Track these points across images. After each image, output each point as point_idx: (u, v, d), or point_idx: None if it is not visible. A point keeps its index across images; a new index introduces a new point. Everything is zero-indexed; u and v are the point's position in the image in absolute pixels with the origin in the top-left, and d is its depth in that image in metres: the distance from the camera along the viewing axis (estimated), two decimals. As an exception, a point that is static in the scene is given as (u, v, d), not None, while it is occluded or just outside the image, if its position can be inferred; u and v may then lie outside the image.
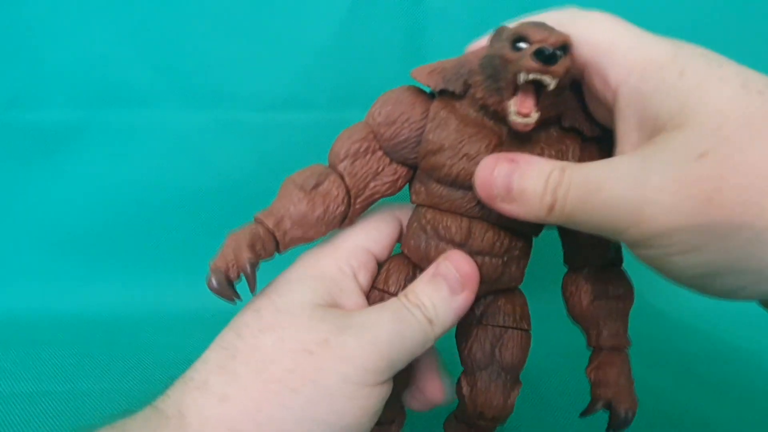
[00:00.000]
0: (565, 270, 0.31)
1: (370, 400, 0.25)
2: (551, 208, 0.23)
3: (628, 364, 0.30)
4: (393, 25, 0.49)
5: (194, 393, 0.25)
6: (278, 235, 0.28)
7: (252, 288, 0.27)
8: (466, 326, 0.30)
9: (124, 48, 0.49)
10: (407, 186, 0.30)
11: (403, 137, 0.28)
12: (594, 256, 0.30)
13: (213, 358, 0.26)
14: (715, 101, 0.21)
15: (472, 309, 0.29)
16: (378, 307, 0.27)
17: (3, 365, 0.45)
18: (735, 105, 0.20)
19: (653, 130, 0.22)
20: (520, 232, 0.28)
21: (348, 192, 0.28)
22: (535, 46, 0.23)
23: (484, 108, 0.26)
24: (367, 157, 0.29)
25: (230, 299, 0.26)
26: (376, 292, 0.29)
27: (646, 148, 0.22)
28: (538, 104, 0.24)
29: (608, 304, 0.30)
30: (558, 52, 0.23)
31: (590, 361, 0.30)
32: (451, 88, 0.27)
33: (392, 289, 0.29)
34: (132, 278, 0.55)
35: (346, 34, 0.49)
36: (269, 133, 0.51)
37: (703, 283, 0.22)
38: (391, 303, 0.27)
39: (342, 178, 0.28)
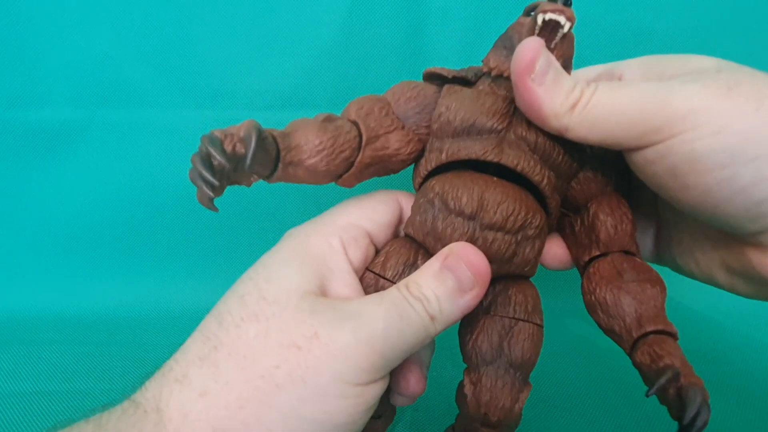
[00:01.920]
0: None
1: (363, 398, 0.23)
2: (574, 105, 0.24)
3: (682, 352, 0.25)
4: (393, 25, 0.48)
5: (173, 386, 0.23)
6: (282, 147, 0.25)
7: (246, 162, 0.23)
8: (471, 316, 0.27)
9: (124, 47, 0.49)
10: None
11: (417, 105, 0.28)
12: (618, 238, 0.28)
13: (194, 348, 0.24)
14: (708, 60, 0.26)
15: (482, 299, 0.27)
16: (375, 298, 0.25)
17: (2, 364, 0.45)
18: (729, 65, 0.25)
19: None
20: (538, 199, 0.27)
21: (360, 134, 0.27)
22: None
23: (496, 79, 0.27)
24: (381, 115, 0.27)
25: (209, 187, 0.22)
26: (371, 275, 0.27)
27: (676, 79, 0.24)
28: (554, 52, 0.25)
29: (641, 288, 0.26)
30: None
31: (633, 353, 0.26)
32: (463, 75, 0.28)
33: (389, 274, 0.27)
34: (132, 278, 0.55)
35: (346, 34, 0.49)
36: (269, 133, 0.51)
37: (726, 179, 0.22)
38: (390, 294, 0.25)
39: (357, 123, 0.27)
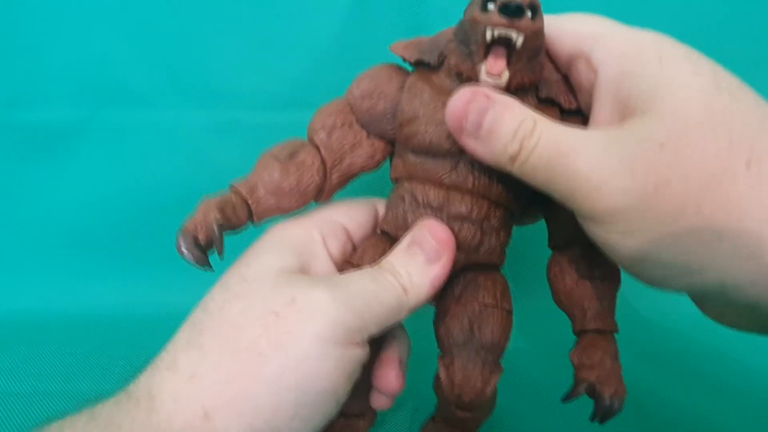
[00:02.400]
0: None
1: (344, 360, 0.24)
2: (514, 158, 0.23)
3: (615, 348, 0.28)
4: (393, 25, 0.48)
5: (164, 373, 0.24)
6: (251, 202, 0.27)
7: (219, 251, 0.26)
8: (444, 306, 0.30)
9: (124, 48, 0.49)
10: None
11: (380, 109, 0.28)
12: (579, 235, 0.28)
13: (181, 336, 0.25)
14: (685, 91, 0.21)
15: (450, 287, 0.29)
16: (354, 270, 0.26)
17: (2, 365, 0.45)
18: (702, 98, 0.21)
19: (625, 110, 0.23)
20: (498, 203, 0.28)
21: (324, 163, 0.28)
22: (501, 2, 0.23)
23: (458, 75, 0.26)
24: (345, 129, 0.29)
25: (201, 264, 0.26)
26: (350, 267, 0.28)
27: (615, 130, 0.22)
28: (510, 65, 0.24)
29: (593, 285, 0.29)
30: (525, 8, 0.23)
31: (575, 345, 0.29)
32: (426, 59, 0.27)
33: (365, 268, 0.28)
34: (132, 278, 0.55)
35: (346, 34, 0.49)
36: (269, 133, 0.50)
37: (635, 267, 0.23)
38: (365, 269, 0.26)
39: (318, 149, 0.28)
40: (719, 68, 0.23)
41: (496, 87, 0.24)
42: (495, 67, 0.24)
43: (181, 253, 0.26)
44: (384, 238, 0.29)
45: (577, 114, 0.27)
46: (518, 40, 0.23)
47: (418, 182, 0.28)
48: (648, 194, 0.21)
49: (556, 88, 0.27)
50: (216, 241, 0.26)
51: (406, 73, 0.29)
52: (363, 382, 0.29)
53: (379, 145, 0.29)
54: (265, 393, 0.23)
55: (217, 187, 0.53)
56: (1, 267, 0.54)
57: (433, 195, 0.27)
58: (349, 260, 0.29)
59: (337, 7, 0.48)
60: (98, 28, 0.49)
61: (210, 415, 0.22)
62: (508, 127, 0.23)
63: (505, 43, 0.24)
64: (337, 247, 0.28)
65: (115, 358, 0.46)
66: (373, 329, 0.25)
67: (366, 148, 0.29)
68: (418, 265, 0.26)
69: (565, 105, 0.27)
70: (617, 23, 0.26)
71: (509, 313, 0.29)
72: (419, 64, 0.28)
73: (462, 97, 0.24)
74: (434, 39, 0.28)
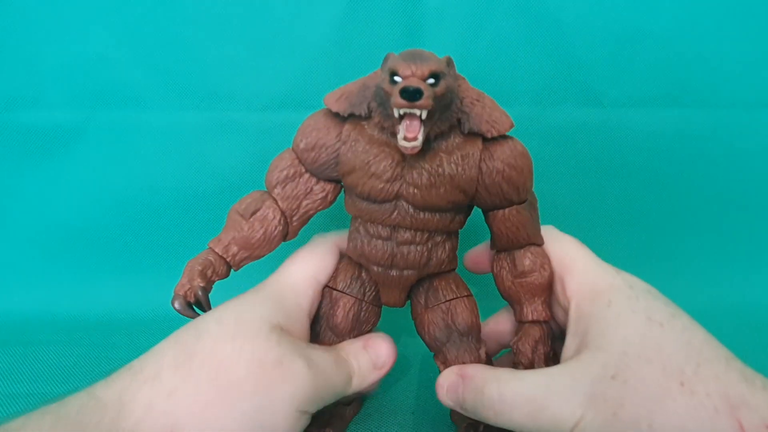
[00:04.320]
0: None
1: (297, 424, 0.29)
2: (494, 417, 0.28)
3: (546, 333, 0.33)
4: (389, 26, 0.48)
5: (142, 385, 0.26)
6: (228, 258, 0.33)
7: (206, 309, 0.31)
8: (419, 317, 0.35)
9: (122, 49, 0.49)
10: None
11: (323, 160, 0.32)
12: (515, 241, 0.32)
13: (169, 355, 0.28)
14: (624, 331, 0.27)
15: (417, 299, 0.35)
16: (323, 349, 0.32)
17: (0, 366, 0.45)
18: (638, 335, 0.27)
19: (583, 343, 0.28)
20: (437, 230, 0.32)
21: (283, 213, 0.33)
22: (401, 85, 0.26)
23: (384, 129, 0.30)
24: (296, 180, 0.33)
25: (193, 317, 0.31)
26: (327, 289, 0.35)
27: (575, 364, 0.28)
28: (424, 126, 0.27)
29: (527, 283, 0.33)
30: (424, 86, 0.26)
31: (516, 334, 0.34)
32: (357, 112, 0.30)
33: (339, 287, 0.34)
34: (129, 279, 0.55)
35: (342, 35, 0.49)
36: (267, 133, 0.51)
37: None
38: (332, 350, 0.32)
39: (276, 202, 0.33)
40: (656, 302, 0.29)
41: (413, 149, 0.27)
42: (410, 132, 0.27)
43: (176, 309, 0.31)
44: (352, 261, 0.35)
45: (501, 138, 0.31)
46: (423, 114, 0.27)
47: (367, 220, 0.32)
48: (608, 419, 0.25)
49: (476, 120, 0.30)
50: (202, 303, 0.31)
51: (341, 120, 0.31)
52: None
53: (329, 187, 0.33)
54: (236, 424, 0.26)
55: (213, 186, 0.53)
56: (-1, 268, 0.54)
57: (382, 229, 0.32)
58: (328, 284, 0.35)
59: (333, 8, 0.48)
60: (95, 30, 0.49)
61: (176, 431, 0.25)
62: (475, 396, 0.29)
63: (411, 115, 0.27)
64: (314, 309, 0.34)
65: (113, 360, 0.45)
66: (321, 405, 0.30)
67: (318, 193, 0.33)
68: (367, 364, 0.33)
69: (488, 134, 0.30)
70: (589, 255, 0.32)
71: (469, 297, 0.34)
72: (351, 116, 0.31)
73: (441, 383, 0.32)
74: (361, 88, 0.31)
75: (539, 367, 0.32)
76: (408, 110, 0.26)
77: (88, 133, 0.51)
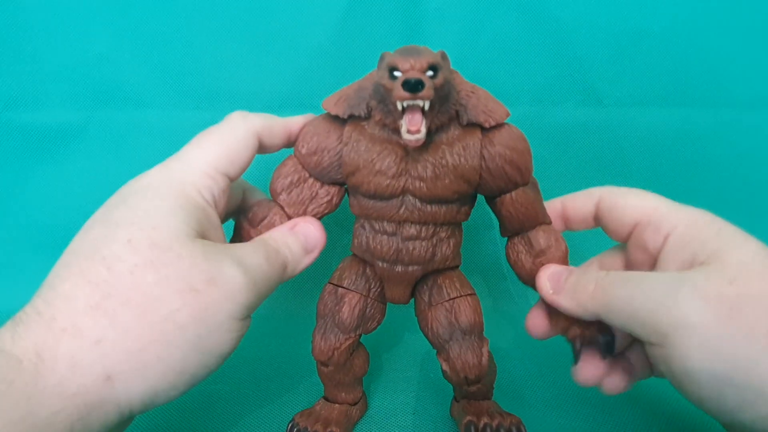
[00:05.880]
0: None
1: (241, 332, 0.27)
2: (593, 296, 0.28)
3: None
4: (389, 26, 0.48)
5: (60, 335, 0.23)
6: None
7: None
8: (422, 314, 0.35)
9: (122, 48, 0.49)
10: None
11: (326, 164, 0.32)
12: (526, 219, 0.33)
13: (81, 296, 0.24)
14: (738, 252, 0.27)
15: (420, 296, 0.35)
16: (251, 246, 0.29)
17: None
18: (754, 256, 0.26)
19: (691, 264, 0.28)
20: (443, 222, 0.32)
21: (290, 219, 0.33)
22: (403, 78, 0.27)
23: (385, 126, 0.30)
24: (301, 186, 0.33)
25: None
26: (331, 286, 0.35)
27: (685, 271, 0.27)
28: (426, 118, 0.28)
29: (548, 259, 0.33)
30: (424, 78, 0.27)
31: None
32: (356, 113, 0.31)
33: (345, 283, 0.35)
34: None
35: (343, 34, 0.49)
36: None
37: (711, 392, 0.24)
38: (260, 244, 0.30)
39: (282, 208, 0.33)
40: (757, 240, 0.28)
41: (417, 142, 0.28)
42: (413, 125, 0.28)
43: None
44: (357, 258, 0.35)
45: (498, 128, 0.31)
46: (425, 104, 0.27)
47: (374, 218, 0.32)
48: (722, 316, 0.24)
49: (474, 112, 0.30)
50: None
51: (343, 123, 0.32)
52: (358, 376, 0.36)
53: (334, 189, 0.33)
54: (179, 358, 0.24)
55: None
56: (-1, 267, 0.54)
57: (387, 225, 0.32)
58: (332, 281, 0.35)
59: (333, 8, 0.48)
60: (97, 29, 0.49)
61: (113, 378, 0.23)
62: (583, 274, 0.30)
63: (414, 107, 0.28)
64: (222, 206, 0.30)
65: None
66: (259, 304, 0.28)
67: (323, 197, 0.33)
68: (298, 249, 0.31)
69: (486, 124, 0.30)
70: (669, 201, 0.32)
71: (472, 295, 0.34)
72: (351, 117, 0.31)
73: (543, 278, 0.32)
74: (358, 90, 0.31)
75: (590, 335, 0.32)
76: (411, 102, 0.27)
77: (89, 133, 0.51)
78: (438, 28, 0.49)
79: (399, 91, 0.27)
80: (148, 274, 0.24)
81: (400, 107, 0.27)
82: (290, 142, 0.33)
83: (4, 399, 0.21)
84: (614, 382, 0.32)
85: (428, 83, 0.27)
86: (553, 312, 0.32)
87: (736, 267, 0.26)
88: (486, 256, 0.55)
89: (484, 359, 0.33)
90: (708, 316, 0.24)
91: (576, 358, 0.32)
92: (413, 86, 0.26)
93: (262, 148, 0.32)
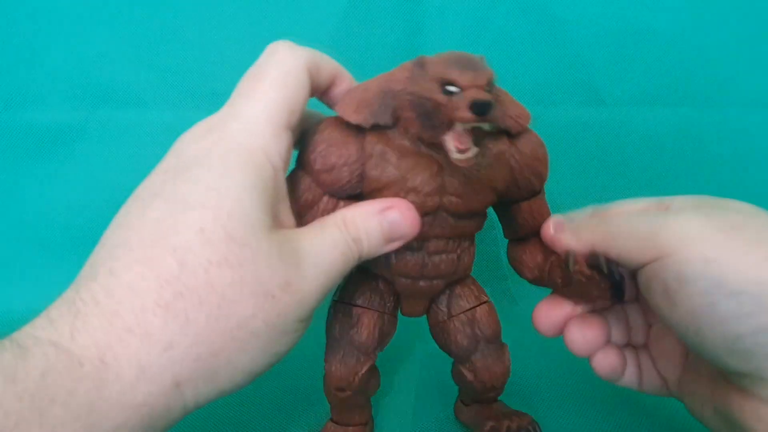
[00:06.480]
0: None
1: (301, 332, 0.26)
2: (590, 226, 0.28)
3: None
4: (390, 25, 0.48)
5: (125, 337, 0.20)
6: None
7: None
8: (441, 326, 0.33)
9: (122, 48, 0.49)
10: None
11: (345, 180, 0.28)
12: (539, 226, 0.31)
13: (148, 291, 0.21)
14: (740, 205, 0.28)
15: (439, 308, 0.33)
16: (330, 238, 0.26)
17: None
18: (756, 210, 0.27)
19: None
20: (466, 233, 0.31)
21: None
22: (470, 98, 0.23)
23: (419, 139, 0.27)
24: (315, 207, 0.29)
25: None
26: (342, 304, 0.32)
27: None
28: (472, 134, 0.25)
29: (557, 255, 0.30)
30: (492, 98, 0.24)
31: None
32: (381, 122, 0.27)
33: (359, 301, 0.32)
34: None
35: (343, 34, 0.49)
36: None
37: (708, 305, 0.23)
38: (336, 234, 0.26)
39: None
40: None
41: (468, 162, 0.25)
42: (462, 143, 0.25)
43: None
44: (366, 271, 0.32)
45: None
46: (486, 127, 0.25)
47: None
48: (724, 230, 0.24)
49: (501, 117, 0.28)
50: None
51: (359, 131, 0.28)
52: (371, 395, 0.34)
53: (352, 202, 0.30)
54: (248, 361, 0.23)
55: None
56: (-1, 267, 0.54)
57: (414, 241, 0.29)
58: (344, 300, 0.32)
59: (334, 8, 0.48)
60: (96, 29, 0.49)
61: (181, 384, 0.21)
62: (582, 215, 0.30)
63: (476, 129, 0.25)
64: (288, 162, 0.27)
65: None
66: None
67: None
68: (379, 238, 0.27)
69: (514, 131, 0.29)
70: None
71: (489, 302, 0.34)
72: (374, 127, 0.27)
73: (548, 226, 0.30)
74: (380, 95, 0.27)
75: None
76: (476, 125, 0.24)
77: (89, 133, 0.51)
78: (439, 27, 0.49)
79: (464, 112, 0.23)
80: (225, 273, 0.22)
81: (461, 129, 0.24)
82: (328, 95, 0.29)
83: (66, 411, 0.18)
84: (630, 375, 0.31)
85: (494, 106, 0.24)
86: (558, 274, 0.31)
87: (738, 207, 0.26)
88: (486, 256, 0.55)
89: (508, 365, 0.33)
90: (708, 230, 0.24)
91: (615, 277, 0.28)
92: (482, 108, 0.23)
93: None
